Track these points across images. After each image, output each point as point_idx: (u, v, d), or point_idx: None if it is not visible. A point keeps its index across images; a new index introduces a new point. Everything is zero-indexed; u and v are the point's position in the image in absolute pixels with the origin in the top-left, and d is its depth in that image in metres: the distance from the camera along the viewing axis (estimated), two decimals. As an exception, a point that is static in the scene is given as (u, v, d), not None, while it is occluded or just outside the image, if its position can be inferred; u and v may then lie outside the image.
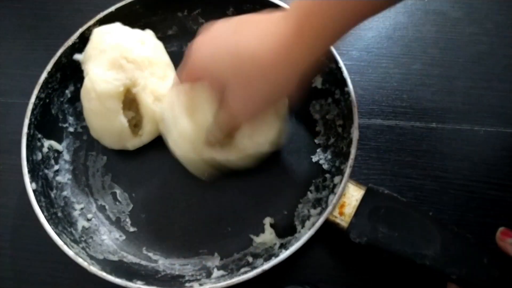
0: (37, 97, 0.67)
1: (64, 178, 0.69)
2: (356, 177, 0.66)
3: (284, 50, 0.49)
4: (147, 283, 0.57)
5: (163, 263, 0.64)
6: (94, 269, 0.56)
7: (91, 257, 0.61)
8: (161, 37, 0.76)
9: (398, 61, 0.79)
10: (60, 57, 0.70)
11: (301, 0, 0.49)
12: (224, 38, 0.54)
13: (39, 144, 0.67)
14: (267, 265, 0.55)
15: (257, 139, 0.62)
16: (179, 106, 0.62)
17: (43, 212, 0.60)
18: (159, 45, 0.73)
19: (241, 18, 0.56)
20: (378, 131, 0.74)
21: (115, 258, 0.64)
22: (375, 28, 0.83)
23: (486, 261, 0.53)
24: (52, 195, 0.66)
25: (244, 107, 0.56)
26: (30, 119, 0.66)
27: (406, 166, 0.71)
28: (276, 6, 0.72)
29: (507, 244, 0.53)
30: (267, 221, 0.65)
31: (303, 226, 0.63)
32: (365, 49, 0.81)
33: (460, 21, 0.83)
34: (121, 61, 0.65)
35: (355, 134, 0.62)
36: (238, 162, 0.64)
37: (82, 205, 0.68)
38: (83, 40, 0.71)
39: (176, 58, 0.73)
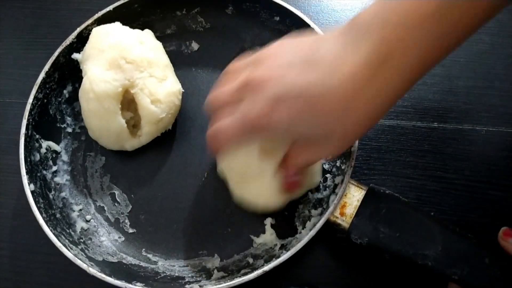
0: (35, 97, 0.68)
1: (62, 179, 0.70)
2: (357, 178, 0.67)
3: (354, 85, 0.43)
4: (147, 285, 0.58)
5: (162, 265, 0.64)
6: (94, 271, 0.56)
7: (90, 259, 0.61)
8: (160, 36, 0.76)
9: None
10: (58, 56, 0.70)
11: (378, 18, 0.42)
12: (286, 90, 0.46)
13: (37, 145, 0.68)
14: (267, 266, 0.56)
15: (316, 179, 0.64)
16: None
17: (41, 214, 0.61)
18: (159, 45, 0.73)
19: (305, 52, 0.47)
20: (379, 131, 0.74)
21: (114, 259, 0.64)
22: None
23: (487, 261, 0.53)
24: (51, 196, 0.66)
25: (332, 148, 0.51)
26: (28, 120, 0.66)
27: (407, 166, 0.71)
28: (276, 6, 0.73)
29: (509, 244, 0.54)
30: (268, 221, 0.66)
31: (303, 227, 0.63)
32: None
33: (462, 20, 0.83)
34: (120, 61, 0.65)
35: (356, 134, 0.62)
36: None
37: (80, 206, 0.68)
38: (81, 40, 0.71)
39: (175, 57, 0.74)
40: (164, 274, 0.63)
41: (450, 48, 0.43)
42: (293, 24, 0.73)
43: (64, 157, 0.71)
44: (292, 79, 0.45)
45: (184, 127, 0.74)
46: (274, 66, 0.48)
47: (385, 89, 0.43)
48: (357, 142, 0.62)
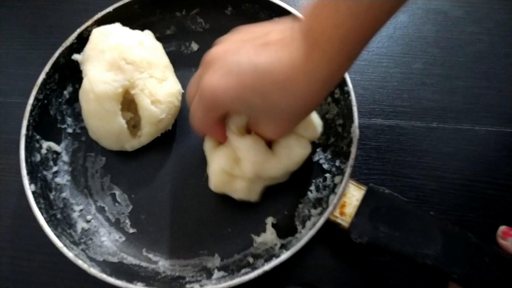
0: (35, 98, 0.68)
1: (63, 179, 0.70)
2: (356, 177, 0.67)
3: (300, 61, 0.47)
4: (148, 285, 0.58)
5: (163, 265, 0.65)
6: (94, 271, 0.57)
7: (91, 259, 0.61)
8: (159, 37, 0.76)
9: (398, 60, 0.80)
10: (58, 57, 0.71)
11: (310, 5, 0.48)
12: (238, 63, 0.50)
13: (37, 145, 0.68)
14: (268, 266, 0.56)
15: (294, 157, 0.63)
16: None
17: (42, 214, 0.61)
18: (158, 46, 0.73)
19: (250, 35, 0.54)
20: (378, 131, 0.74)
21: (115, 259, 0.64)
22: (375, 27, 0.84)
23: (487, 260, 0.53)
24: (51, 197, 0.67)
25: (275, 129, 0.56)
26: (29, 121, 0.66)
27: (406, 166, 0.72)
28: (275, 6, 0.73)
29: (508, 243, 0.54)
30: (269, 220, 0.66)
31: (303, 227, 0.63)
32: (365, 48, 0.81)
33: (461, 20, 0.83)
34: (120, 62, 0.65)
35: (355, 133, 0.63)
36: (280, 179, 0.65)
37: (81, 207, 0.69)
38: (81, 41, 0.71)
39: (175, 58, 0.74)
40: (165, 274, 0.64)
41: (375, 26, 0.47)
42: (292, 24, 0.73)
43: (65, 157, 0.72)
44: (244, 53, 0.50)
45: (184, 128, 0.74)
46: (229, 43, 0.54)
47: (320, 65, 0.47)
48: (356, 141, 0.62)
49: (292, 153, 0.62)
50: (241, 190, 0.63)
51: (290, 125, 0.57)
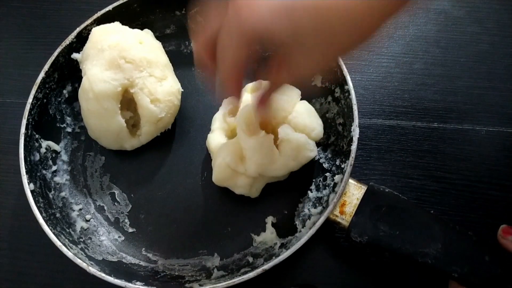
0: (35, 97, 0.69)
1: (62, 178, 0.71)
2: (357, 178, 0.67)
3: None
4: (147, 284, 0.58)
5: (162, 264, 0.65)
6: (94, 270, 0.57)
7: (90, 258, 0.62)
8: (159, 36, 0.77)
9: (399, 60, 0.81)
10: (57, 57, 0.71)
11: None
12: None
13: (36, 144, 0.69)
14: (267, 265, 0.56)
15: (300, 160, 0.64)
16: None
17: (41, 213, 0.61)
18: (158, 45, 0.74)
19: None
20: (379, 131, 0.75)
21: (114, 258, 0.65)
22: (376, 27, 0.84)
23: (487, 258, 0.54)
24: (50, 196, 0.67)
25: (315, 59, 0.48)
26: (28, 120, 0.67)
27: (407, 167, 0.72)
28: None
29: (509, 242, 0.54)
30: (269, 220, 0.67)
31: (303, 226, 0.64)
32: (366, 48, 0.82)
33: (462, 20, 0.84)
34: (120, 61, 0.66)
35: (355, 132, 0.63)
36: (281, 178, 0.67)
37: (80, 206, 0.69)
38: (81, 40, 0.72)
39: (174, 57, 0.75)
40: (164, 273, 0.64)
41: None
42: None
43: (64, 156, 0.72)
44: None
45: (184, 127, 0.75)
46: None
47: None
48: (356, 140, 0.63)
49: (300, 155, 0.63)
50: (243, 186, 0.65)
51: (334, 56, 0.54)
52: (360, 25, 0.45)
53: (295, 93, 0.67)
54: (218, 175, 0.65)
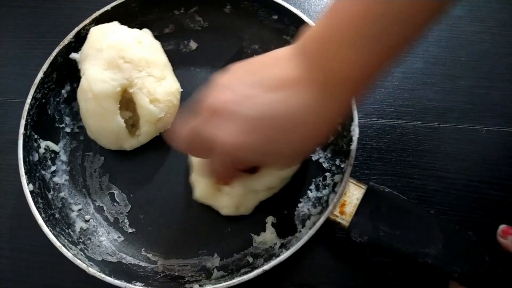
0: (33, 98, 0.69)
1: (61, 179, 0.71)
2: (357, 178, 0.67)
3: (313, 103, 0.46)
4: (147, 285, 0.59)
5: (162, 264, 0.66)
6: (93, 271, 0.58)
7: (90, 259, 0.62)
8: (158, 35, 0.77)
9: (399, 59, 0.81)
10: (56, 56, 0.71)
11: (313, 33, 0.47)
12: (257, 117, 0.47)
13: (35, 145, 0.69)
14: (267, 265, 0.57)
15: (284, 175, 0.66)
16: None
17: (40, 214, 0.62)
18: (157, 44, 0.74)
19: (250, 75, 0.50)
20: (379, 131, 0.75)
21: (113, 259, 0.65)
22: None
23: (488, 258, 0.54)
24: (50, 197, 0.68)
25: (287, 163, 0.58)
26: (27, 120, 0.67)
27: (408, 166, 0.72)
28: (274, 4, 0.74)
29: (509, 241, 0.55)
30: (269, 219, 0.67)
31: (303, 226, 0.64)
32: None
33: (463, 19, 0.84)
34: (118, 60, 0.66)
35: (355, 132, 0.63)
36: (276, 188, 0.67)
37: (79, 206, 0.70)
38: (79, 39, 0.72)
39: (173, 56, 0.75)
40: (164, 273, 0.64)
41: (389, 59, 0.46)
42: (291, 22, 0.74)
43: (63, 157, 0.73)
44: (261, 100, 0.47)
45: (183, 127, 0.75)
46: (237, 89, 0.48)
47: (333, 106, 0.47)
48: (356, 139, 0.63)
49: None
50: (228, 207, 0.65)
51: (300, 159, 0.62)
52: (317, 135, 0.50)
53: None
54: (201, 192, 0.66)
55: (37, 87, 0.70)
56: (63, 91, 0.75)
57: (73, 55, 0.72)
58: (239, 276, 0.57)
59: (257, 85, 0.47)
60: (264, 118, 0.47)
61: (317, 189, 0.68)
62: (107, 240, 0.68)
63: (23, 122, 0.67)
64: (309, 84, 0.46)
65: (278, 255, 0.58)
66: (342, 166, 0.65)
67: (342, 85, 0.46)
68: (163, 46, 0.75)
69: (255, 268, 0.58)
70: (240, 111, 0.47)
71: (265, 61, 0.51)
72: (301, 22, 0.71)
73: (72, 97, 0.74)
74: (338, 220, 0.60)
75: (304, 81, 0.46)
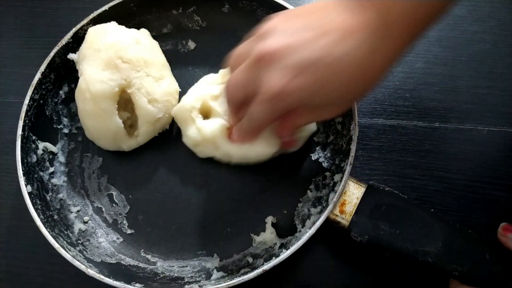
0: (31, 98, 0.70)
1: (59, 180, 0.72)
2: (358, 178, 0.68)
3: (369, 50, 0.47)
4: (146, 286, 0.60)
5: (161, 265, 0.67)
6: (92, 272, 0.59)
7: (89, 260, 0.63)
8: (156, 35, 0.79)
9: (400, 59, 0.81)
10: (53, 57, 0.72)
11: None
12: (308, 61, 0.48)
13: (33, 146, 0.70)
14: (267, 265, 0.57)
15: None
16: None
17: (39, 215, 0.63)
18: (155, 44, 0.75)
19: (300, 20, 0.51)
20: (380, 131, 0.76)
21: (112, 260, 0.66)
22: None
23: (488, 256, 0.55)
24: (48, 198, 0.68)
25: (337, 111, 0.57)
26: (24, 121, 0.68)
27: (408, 166, 0.73)
28: (273, 3, 0.74)
29: (509, 239, 0.56)
30: (269, 219, 0.68)
31: (303, 225, 0.65)
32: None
33: (463, 19, 0.85)
34: (116, 61, 0.67)
35: (355, 131, 0.64)
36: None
37: (78, 208, 0.71)
38: (77, 40, 0.73)
39: (171, 56, 0.76)
40: (163, 274, 0.65)
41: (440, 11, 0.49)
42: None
43: (61, 158, 0.73)
44: (309, 45, 0.48)
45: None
46: (286, 34, 0.50)
47: (390, 51, 0.49)
48: (356, 139, 0.64)
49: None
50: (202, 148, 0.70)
51: (352, 104, 0.63)
52: (373, 81, 0.51)
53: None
54: (177, 110, 0.70)
55: (35, 88, 0.70)
56: (61, 92, 0.76)
57: (71, 56, 0.73)
58: (239, 276, 0.58)
59: (310, 29, 0.49)
60: (318, 61, 0.47)
61: (317, 188, 0.69)
62: (106, 241, 0.68)
63: (20, 123, 0.68)
64: (363, 26, 0.47)
65: (278, 255, 0.58)
66: (342, 165, 0.65)
67: (398, 25, 0.46)
68: (161, 46, 0.76)
69: (255, 268, 0.59)
70: (292, 55, 0.48)
71: (311, 9, 0.51)
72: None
73: (70, 98, 0.75)
74: (338, 219, 0.61)
75: (358, 23, 0.47)
